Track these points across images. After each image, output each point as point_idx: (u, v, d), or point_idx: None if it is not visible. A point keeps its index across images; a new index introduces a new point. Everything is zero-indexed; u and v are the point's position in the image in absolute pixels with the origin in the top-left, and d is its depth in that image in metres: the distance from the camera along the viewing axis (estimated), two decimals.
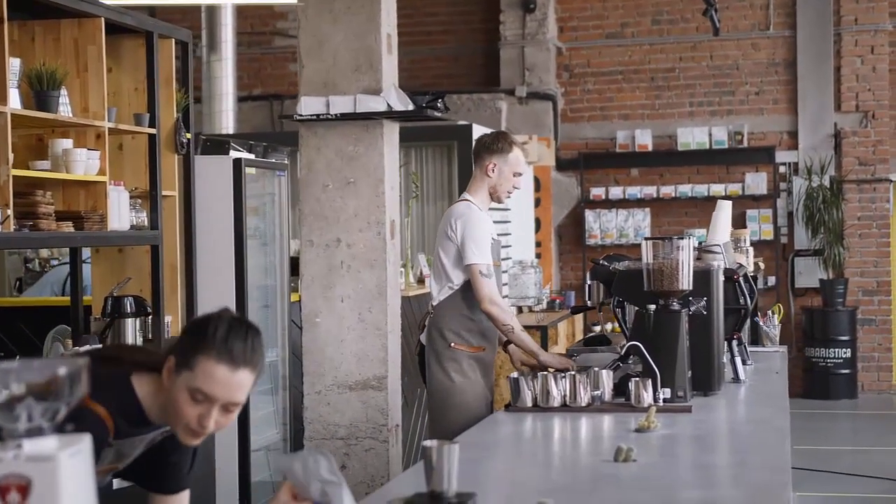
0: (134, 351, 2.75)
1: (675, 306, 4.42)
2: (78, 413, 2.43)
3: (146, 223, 5.63)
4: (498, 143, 5.32)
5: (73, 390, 1.78)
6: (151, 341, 5.66)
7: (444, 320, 5.22)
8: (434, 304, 5.29)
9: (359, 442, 5.63)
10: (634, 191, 12.88)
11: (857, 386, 12.41)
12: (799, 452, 9.11)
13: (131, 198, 5.55)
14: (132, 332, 5.47)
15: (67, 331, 5.76)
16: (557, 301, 11.17)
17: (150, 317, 5.65)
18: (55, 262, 8.64)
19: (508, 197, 5.42)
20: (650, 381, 4.22)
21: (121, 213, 5.33)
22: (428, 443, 2.75)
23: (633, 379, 4.25)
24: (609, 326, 11.35)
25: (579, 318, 11.42)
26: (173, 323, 5.91)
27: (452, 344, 5.19)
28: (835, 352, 12.25)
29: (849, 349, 12.27)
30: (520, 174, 5.35)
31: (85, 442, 1.78)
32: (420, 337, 5.43)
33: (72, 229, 5.00)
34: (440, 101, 5.97)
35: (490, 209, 5.37)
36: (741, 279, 5.08)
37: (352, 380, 5.62)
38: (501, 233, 10.10)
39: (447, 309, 5.23)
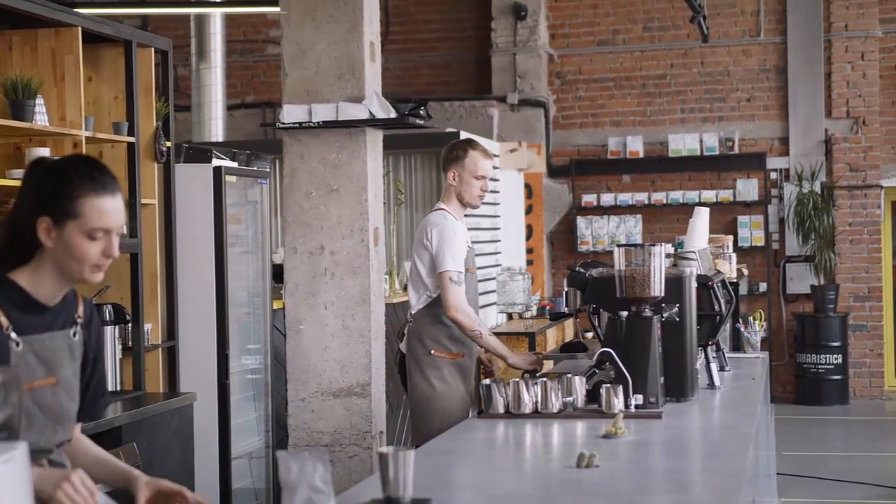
0: None
1: (648, 313, 4.42)
2: None
3: (125, 231, 5.65)
4: (453, 151, 5.44)
5: (6, 399, 1.80)
6: (131, 349, 5.67)
7: (424, 328, 5.31)
8: (413, 312, 5.38)
9: (343, 449, 5.64)
10: (626, 197, 12.90)
11: (848, 392, 12.41)
12: (789, 458, 9.11)
13: None
14: (111, 340, 5.48)
15: None
16: (548, 308, 11.17)
17: (129, 325, 5.66)
18: None
19: (481, 200, 5.47)
20: (621, 387, 4.24)
21: None
22: (383, 449, 2.77)
23: (604, 385, 4.26)
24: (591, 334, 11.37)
25: (569, 324, 11.43)
26: (153, 331, 5.93)
27: (432, 351, 5.27)
28: (826, 358, 12.26)
29: (840, 355, 12.28)
30: (482, 177, 5.40)
31: (20, 450, 1.80)
32: (399, 345, 5.48)
33: None
34: (423, 108, 5.98)
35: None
36: (717, 285, 5.09)
37: (335, 387, 5.64)
38: (491, 239, 10.14)
39: (426, 317, 5.32)
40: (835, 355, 12.26)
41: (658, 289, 4.41)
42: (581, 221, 12.96)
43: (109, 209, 2.70)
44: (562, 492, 3.08)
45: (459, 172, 5.38)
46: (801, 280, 12.62)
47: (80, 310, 2.87)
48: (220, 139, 10.69)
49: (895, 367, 13.06)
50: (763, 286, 12.58)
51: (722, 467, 3.33)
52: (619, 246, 4.49)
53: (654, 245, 4.44)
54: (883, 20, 12.64)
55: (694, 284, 4.72)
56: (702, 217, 5.62)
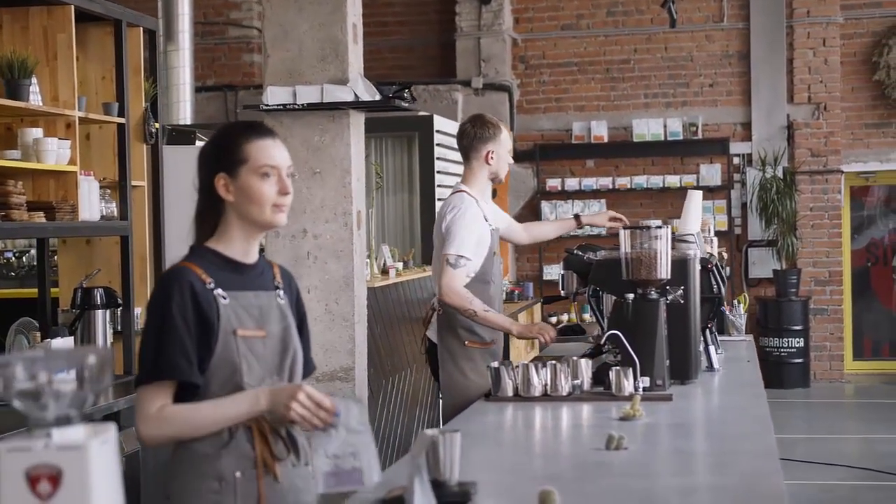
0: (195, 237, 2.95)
1: (654, 295, 4.43)
2: (164, 277, 2.83)
3: (115, 214, 5.56)
4: (488, 129, 5.23)
5: (100, 378, 1.76)
6: (122, 333, 5.59)
7: (455, 318, 5.10)
8: (440, 300, 5.12)
9: None
10: (590, 182, 12.93)
11: (809, 375, 12.55)
12: None
13: (101, 188, 5.48)
14: (102, 323, 5.40)
15: (31, 323, 5.66)
16: (516, 292, 11.22)
17: (119, 308, 5.58)
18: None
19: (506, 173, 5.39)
20: (630, 369, 4.24)
21: (91, 203, 5.26)
22: (430, 431, 2.75)
23: (613, 368, 4.26)
24: (570, 316, 11.42)
25: (537, 308, 11.48)
26: (143, 314, 5.84)
27: (467, 342, 5.10)
28: (788, 341, 12.38)
29: (801, 339, 12.41)
30: (510, 151, 5.33)
31: (111, 431, 1.76)
32: (427, 333, 5.29)
33: (43, 220, 4.93)
34: (407, 91, 5.95)
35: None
36: (714, 268, 5.11)
37: (319, 371, 5.60)
38: None
39: None
40: (796, 339, 12.38)
41: (664, 271, 4.42)
42: (545, 206, 12.98)
43: (271, 147, 2.86)
44: (598, 473, 3.08)
45: (496, 150, 5.21)
46: (763, 264, 12.73)
47: (278, 276, 2.97)
48: (189, 122, 10.57)
49: (853, 351, 13.21)
50: (726, 270, 12.66)
51: (752, 449, 3.34)
52: (625, 228, 4.48)
53: (660, 227, 4.45)
54: (844, 7, 12.75)
55: (698, 266, 4.74)
56: (695, 200, 5.64)
